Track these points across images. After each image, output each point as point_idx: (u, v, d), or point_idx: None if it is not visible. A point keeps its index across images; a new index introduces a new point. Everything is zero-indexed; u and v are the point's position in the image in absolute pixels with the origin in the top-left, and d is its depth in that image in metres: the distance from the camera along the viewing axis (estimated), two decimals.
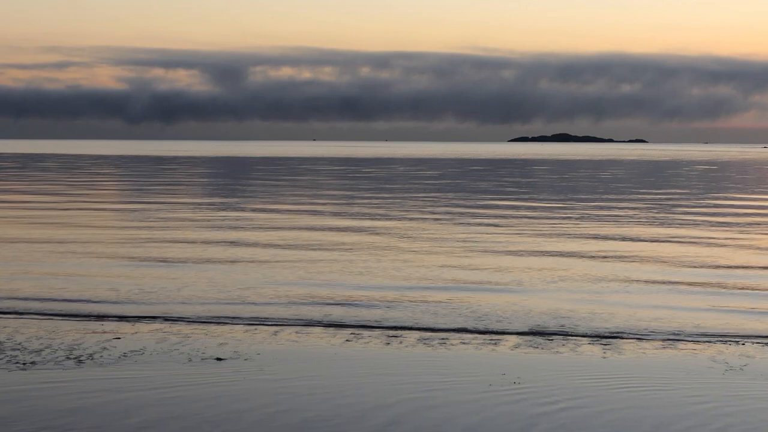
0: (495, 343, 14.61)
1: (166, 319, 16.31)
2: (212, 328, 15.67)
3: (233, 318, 16.42)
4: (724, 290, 19.67)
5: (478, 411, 11.08)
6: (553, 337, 15.07)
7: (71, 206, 43.81)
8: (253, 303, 17.83)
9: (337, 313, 16.82)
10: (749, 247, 27.86)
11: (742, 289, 19.96)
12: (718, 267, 23.31)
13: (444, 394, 11.79)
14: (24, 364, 13.13)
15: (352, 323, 16.01)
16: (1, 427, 10.36)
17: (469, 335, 15.20)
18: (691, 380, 12.64)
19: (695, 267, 23.24)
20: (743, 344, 14.75)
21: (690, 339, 15.03)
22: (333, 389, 12.04)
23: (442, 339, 14.85)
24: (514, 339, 14.96)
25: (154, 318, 16.38)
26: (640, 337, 15.18)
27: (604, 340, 14.85)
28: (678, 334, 15.35)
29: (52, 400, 11.42)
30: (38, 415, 10.81)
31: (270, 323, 16.06)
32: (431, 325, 15.91)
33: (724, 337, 15.17)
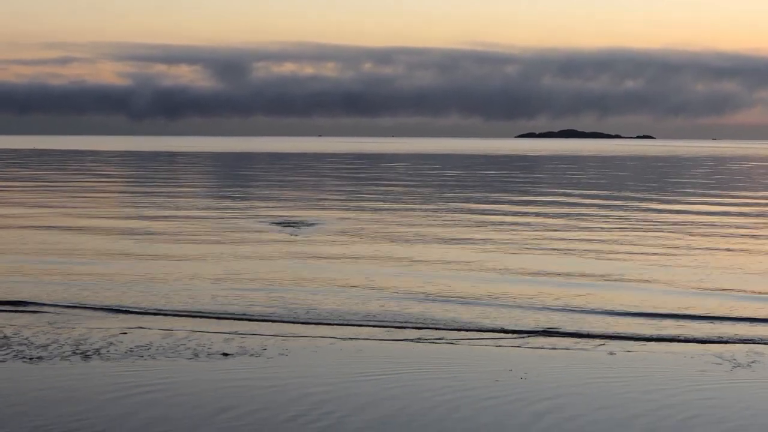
0: (501, 340, 14.59)
1: (172, 314, 16.30)
2: (218, 323, 15.66)
3: (240, 314, 16.40)
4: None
5: (485, 405, 11.10)
6: (562, 335, 15.03)
7: (80, 203, 43.86)
8: (258, 299, 17.82)
9: (341, 310, 16.81)
10: None
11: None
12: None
13: (451, 389, 11.79)
14: (30, 359, 13.13)
15: (359, 321, 16.00)
16: (8, 421, 10.41)
17: (475, 333, 15.19)
18: (699, 377, 12.62)
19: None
20: (752, 342, 14.67)
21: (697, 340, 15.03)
22: (339, 383, 12.03)
23: (450, 336, 14.83)
24: (522, 337, 14.95)
25: (160, 313, 16.38)
26: (647, 338, 15.14)
27: (612, 337, 14.87)
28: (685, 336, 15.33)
29: (58, 394, 11.43)
30: (44, 409, 10.83)
31: (275, 318, 16.05)
32: (439, 324, 15.90)
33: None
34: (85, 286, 18.95)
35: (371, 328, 15.26)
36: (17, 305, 16.89)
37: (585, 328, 15.23)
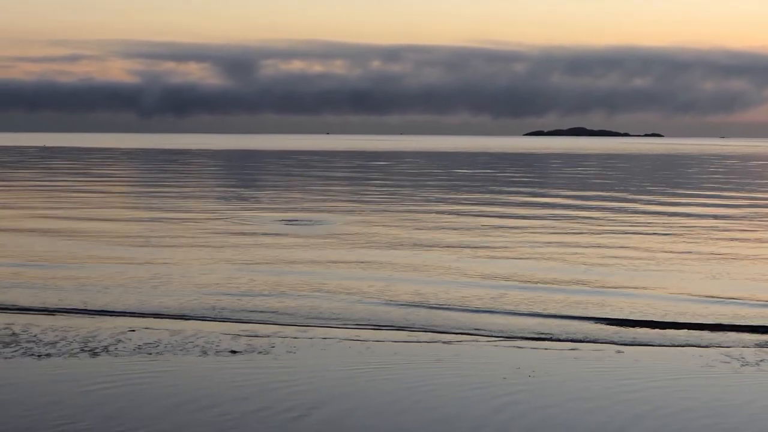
0: (509, 340, 14.56)
1: (179, 316, 16.31)
2: (226, 322, 15.67)
3: (247, 313, 16.40)
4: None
5: (493, 402, 11.08)
6: (569, 341, 14.93)
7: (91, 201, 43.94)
8: (266, 302, 17.83)
9: (349, 312, 16.80)
10: None
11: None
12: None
13: (459, 387, 11.79)
14: (39, 356, 13.15)
15: (365, 323, 15.98)
16: (17, 418, 10.41)
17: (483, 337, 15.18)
18: (706, 371, 12.60)
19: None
20: (762, 346, 14.56)
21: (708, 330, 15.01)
22: (347, 382, 12.03)
23: (457, 338, 14.80)
24: (528, 339, 14.94)
25: (167, 312, 16.40)
26: (657, 342, 15.11)
27: (620, 332, 14.85)
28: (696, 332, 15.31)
29: (66, 391, 11.44)
30: (53, 405, 10.84)
31: (283, 318, 16.06)
32: (446, 328, 15.90)
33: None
34: (90, 290, 18.97)
35: (380, 330, 15.18)
36: (24, 311, 16.89)
37: (592, 335, 15.03)
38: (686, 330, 15.20)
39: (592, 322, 15.71)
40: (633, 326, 15.39)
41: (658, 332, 15.00)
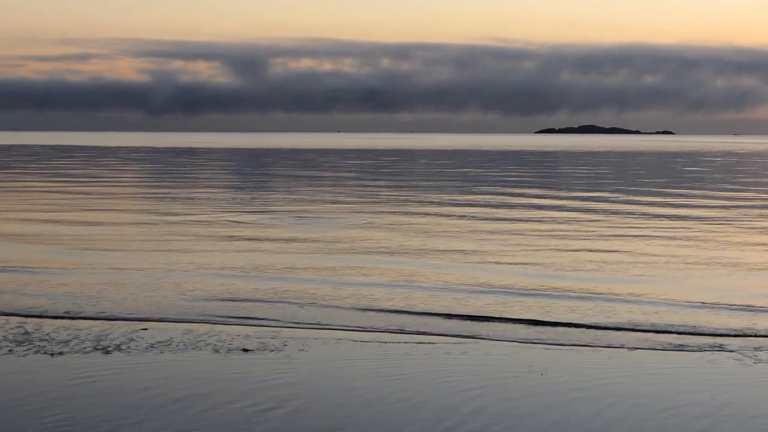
0: (520, 342, 14.51)
1: (189, 318, 16.31)
2: (238, 325, 15.68)
3: (258, 319, 16.38)
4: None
5: (505, 400, 11.10)
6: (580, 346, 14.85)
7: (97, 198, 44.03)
8: (277, 301, 17.85)
9: (356, 315, 16.77)
10: None
11: None
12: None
13: (471, 385, 11.79)
14: (52, 354, 13.19)
15: (373, 328, 15.96)
16: (30, 415, 10.43)
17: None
18: (718, 373, 12.58)
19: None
20: None
21: (718, 334, 14.98)
22: (360, 380, 12.05)
23: (469, 340, 14.77)
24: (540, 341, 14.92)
25: (179, 316, 16.42)
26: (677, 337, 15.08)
27: (632, 334, 14.84)
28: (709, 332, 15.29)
29: (79, 388, 11.48)
30: (66, 403, 10.87)
31: (295, 319, 16.07)
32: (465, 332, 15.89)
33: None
34: (99, 294, 19.01)
35: (392, 333, 15.10)
36: (35, 316, 16.93)
37: (606, 339, 14.91)
38: (700, 336, 15.13)
39: (604, 327, 15.63)
40: (647, 332, 15.34)
41: (671, 336, 14.95)
